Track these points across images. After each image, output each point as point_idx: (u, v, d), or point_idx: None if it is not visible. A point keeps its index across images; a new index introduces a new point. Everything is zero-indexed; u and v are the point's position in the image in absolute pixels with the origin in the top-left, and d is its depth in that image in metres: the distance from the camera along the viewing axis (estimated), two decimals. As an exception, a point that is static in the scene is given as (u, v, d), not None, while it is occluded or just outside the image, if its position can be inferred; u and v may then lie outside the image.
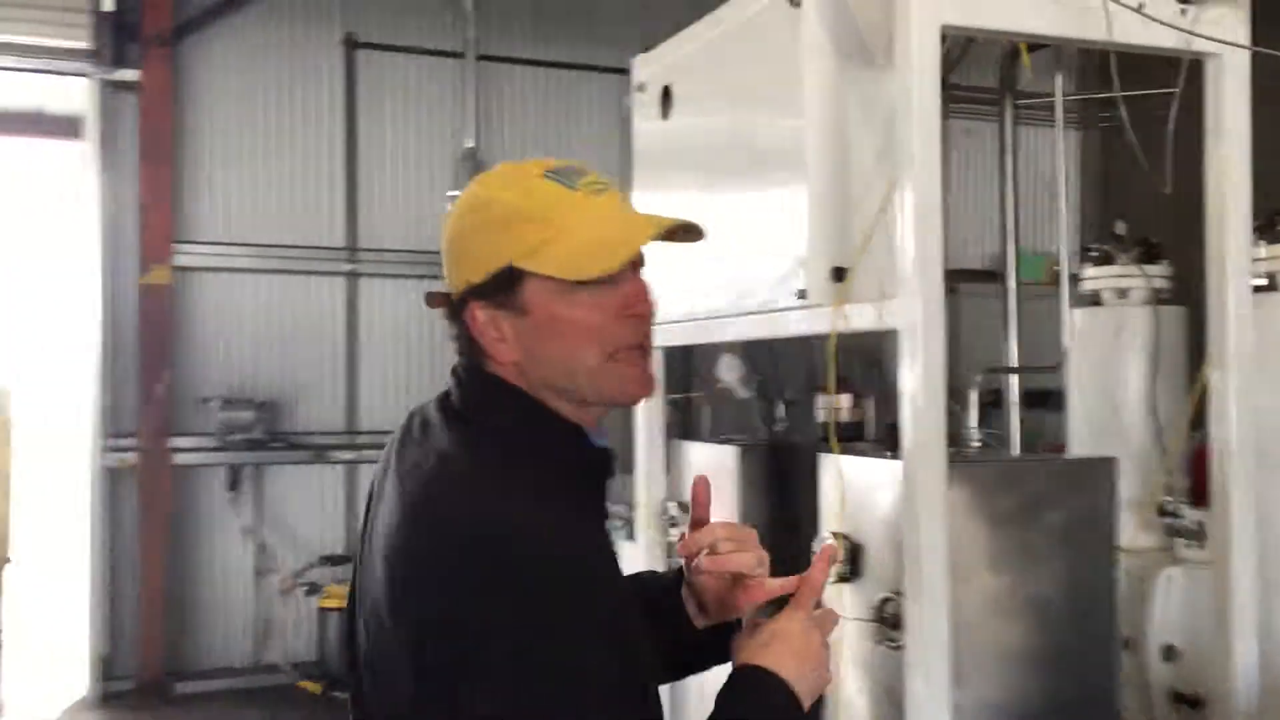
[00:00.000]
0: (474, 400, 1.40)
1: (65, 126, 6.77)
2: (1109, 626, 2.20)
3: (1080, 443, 3.05)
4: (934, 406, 1.96)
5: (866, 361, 3.64)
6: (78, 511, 6.47)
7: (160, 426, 6.21)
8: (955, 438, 2.37)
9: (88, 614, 6.09)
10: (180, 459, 6.27)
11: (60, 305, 6.81)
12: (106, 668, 6.05)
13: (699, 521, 1.42)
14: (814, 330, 2.19)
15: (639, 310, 1.34)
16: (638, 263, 1.37)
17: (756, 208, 2.40)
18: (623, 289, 1.33)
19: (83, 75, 6.22)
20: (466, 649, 1.21)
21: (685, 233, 1.39)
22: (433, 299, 1.41)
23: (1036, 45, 2.31)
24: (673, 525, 2.73)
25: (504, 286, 1.33)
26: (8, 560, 6.65)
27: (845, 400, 2.77)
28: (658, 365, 2.81)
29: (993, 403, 2.71)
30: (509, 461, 1.32)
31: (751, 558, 1.41)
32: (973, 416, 2.27)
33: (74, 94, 6.47)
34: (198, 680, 6.35)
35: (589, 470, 1.38)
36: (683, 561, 1.45)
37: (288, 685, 6.37)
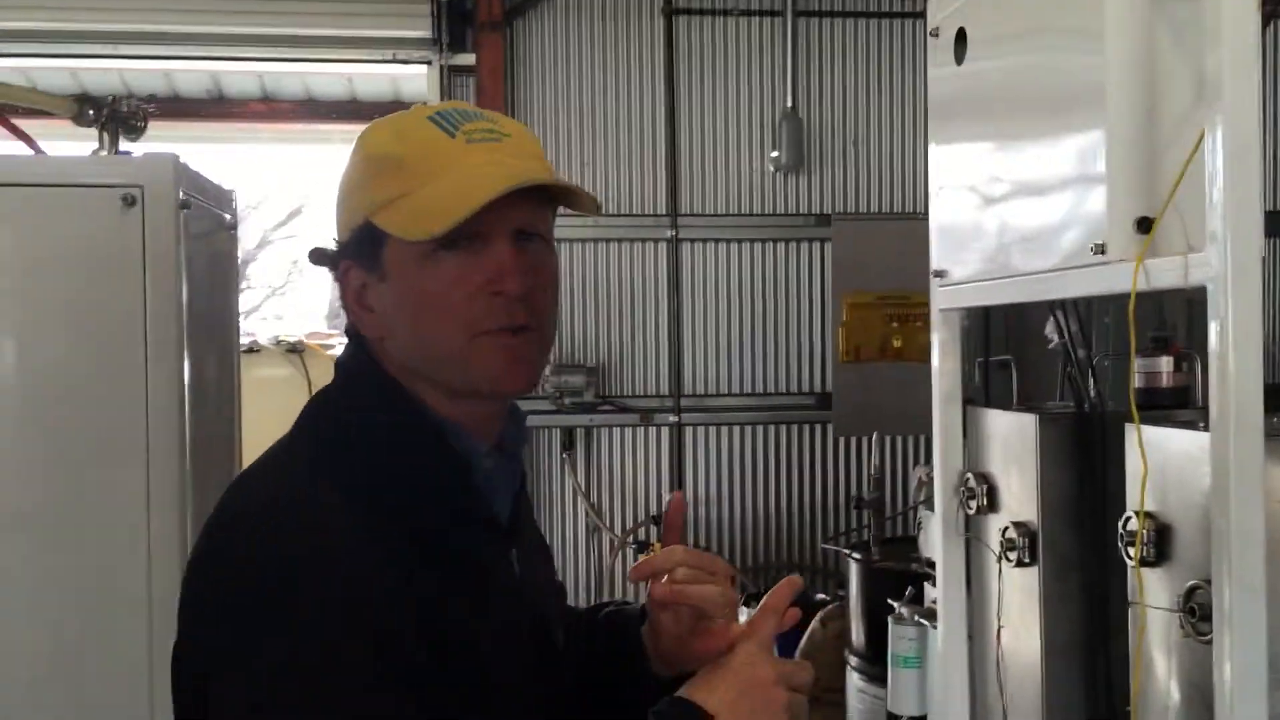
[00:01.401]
0: (335, 384, 1.21)
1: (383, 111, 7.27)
2: None
3: None
4: (1248, 371, 1.72)
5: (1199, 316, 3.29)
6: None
7: (500, 390, 6.57)
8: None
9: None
10: (518, 420, 6.62)
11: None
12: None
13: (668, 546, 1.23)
14: (1112, 289, 1.99)
15: (503, 287, 1.12)
16: (524, 228, 1.14)
17: (1055, 156, 2.20)
18: (490, 259, 1.13)
19: (426, 63, 6.67)
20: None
21: (575, 197, 1.19)
22: (314, 256, 1.22)
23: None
24: (970, 498, 2.57)
25: (368, 247, 1.15)
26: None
27: (1165, 363, 2.50)
28: (946, 327, 2.66)
29: None
30: (325, 470, 1.11)
31: (715, 591, 1.17)
32: (1307, 382, 1.98)
33: (411, 81, 6.94)
34: (537, 629, 6.71)
35: (443, 480, 1.14)
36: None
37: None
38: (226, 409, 2.80)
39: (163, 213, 2.29)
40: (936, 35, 2.75)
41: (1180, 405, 2.52)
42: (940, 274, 2.65)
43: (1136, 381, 2.53)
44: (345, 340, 1.24)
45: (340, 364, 1.22)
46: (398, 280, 1.13)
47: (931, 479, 4.32)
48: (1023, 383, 3.90)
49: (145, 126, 2.55)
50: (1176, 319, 3.56)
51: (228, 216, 2.83)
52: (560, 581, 1.40)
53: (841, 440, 6.73)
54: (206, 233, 2.60)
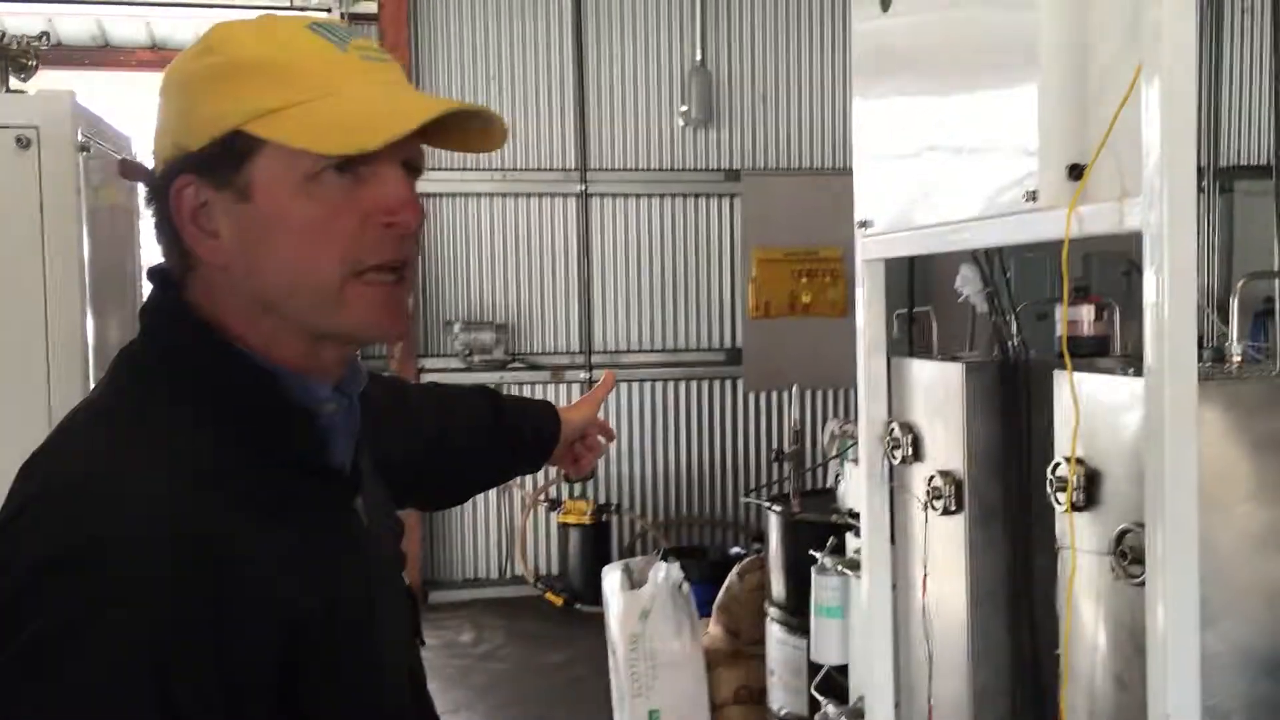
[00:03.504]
0: (145, 333, 1.09)
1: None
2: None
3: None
4: (1182, 318, 1.73)
5: (1118, 267, 3.34)
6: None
7: (409, 347, 6.46)
8: (1215, 353, 2.12)
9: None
10: (428, 379, 6.52)
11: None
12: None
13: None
14: (1044, 236, 1.99)
15: (401, 219, 1.04)
16: (412, 162, 1.07)
17: (983, 102, 2.19)
18: (385, 188, 1.03)
19: (325, 10, 6.46)
20: None
21: (481, 137, 1.10)
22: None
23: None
24: (895, 448, 2.58)
25: (226, 160, 1.01)
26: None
27: (1086, 312, 2.53)
28: (870, 278, 2.65)
29: (1266, 312, 2.41)
30: (144, 430, 1.00)
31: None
32: (1233, 329, 2.01)
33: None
34: (449, 590, 6.66)
35: (274, 433, 1.05)
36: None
37: (534, 596, 6.60)
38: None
39: (61, 156, 2.14)
40: (861, -16, 2.72)
41: (1101, 353, 2.55)
42: (865, 224, 2.64)
43: (1059, 331, 2.56)
44: (154, 282, 1.10)
45: (149, 308, 1.09)
46: (265, 200, 1.01)
47: (844, 432, 4.36)
48: (928, 334, 3.94)
49: (37, 65, 2.39)
50: (1075, 271, 3.62)
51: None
52: (401, 522, 1.33)
53: (753, 395, 6.77)
54: (105, 182, 2.45)
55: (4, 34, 2.38)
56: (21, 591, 0.90)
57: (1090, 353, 2.54)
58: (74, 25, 6.96)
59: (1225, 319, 2.15)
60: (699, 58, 6.63)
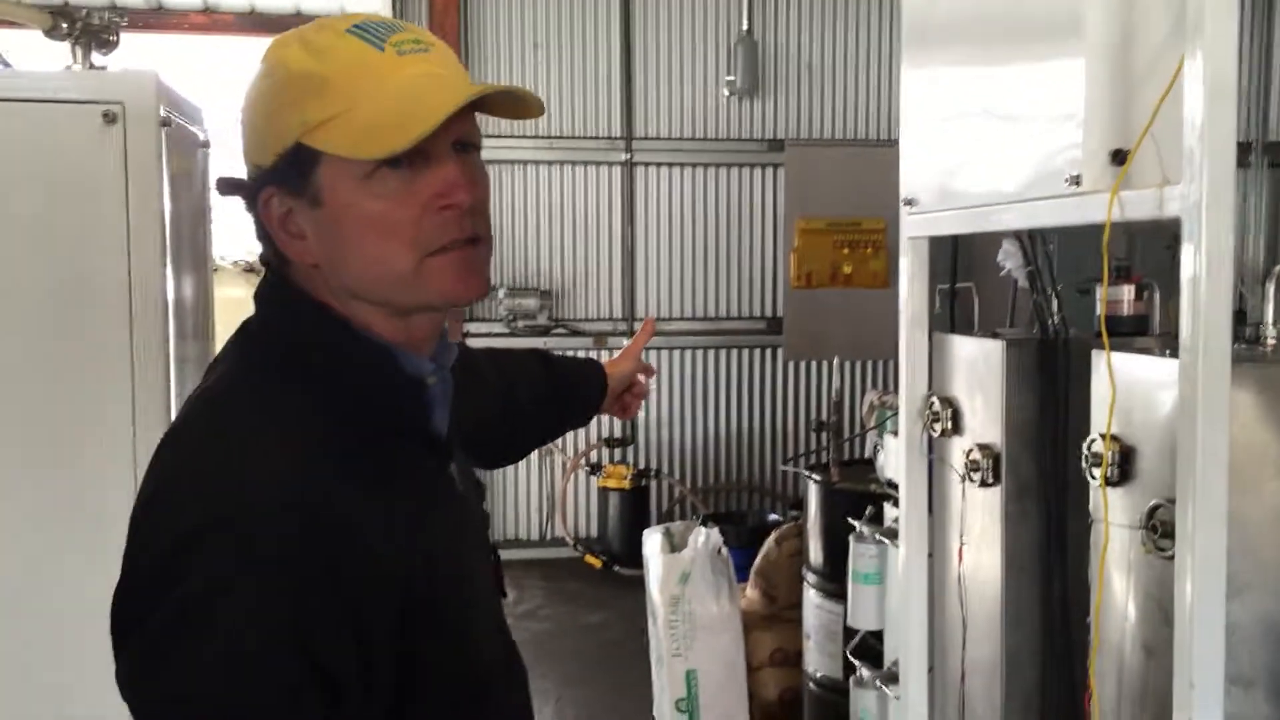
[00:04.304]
0: (261, 317, 1.17)
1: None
2: None
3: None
4: (1218, 299, 1.79)
5: (1169, 243, 3.37)
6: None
7: (456, 313, 6.57)
8: (1247, 334, 2.18)
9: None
10: (473, 344, 6.62)
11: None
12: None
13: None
14: (1086, 219, 2.04)
15: (455, 200, 1.10)
16: (463, 140, 1.12)
17: (1029, 85, 2.24)
18: (437, 174, 1.10)
19: (376, -21, 6.54)
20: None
21: (518, 105, 1.15)
22: (224, 185, 1.17)
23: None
24: (935, 421, 2.65)
25: (296, 171, 1.10)
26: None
27: (1126, 292, 2.58)
28: (914, 254, 2.70)
29: None
30: (270, 405, 1.09)
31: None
32: (1269, 310, 2.07)
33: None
34: (491, 550, 6.79)
35: (392, 403, 1.14)
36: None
37: (574, 559, 6.72)
38: (202, 330, 2.79)
39: (145, 131, 2.25)
40: (912, -39, 2.76)
41: (1140, 333, 2.60)
42: (910, 202, 2.69)
43: (1099, 310, 2.61)
44: (263, 270, 1.19)
45: (264, 295, 1.18)
46: (334, 203, 1.09)
47: (883, 403, 4.43)
48: (969, 310, 3.99)
49: (118, 40, 2.49)
50: (1119, 249, 3.65)
51: (201, 134, 2.79)
52: (481, 484, 1.42)
53: (792, 364, 6.83)
54: (185, 151, 2.56)
55: (88, 9, 2.47)
56: (166, 565, 0.99)
57: (1130, 332, 2.59)
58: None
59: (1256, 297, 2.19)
60: (745, 27, 6.66)
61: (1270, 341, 2.08)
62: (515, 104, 1.17)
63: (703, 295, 6.82)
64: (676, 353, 6.79)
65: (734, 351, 6.85)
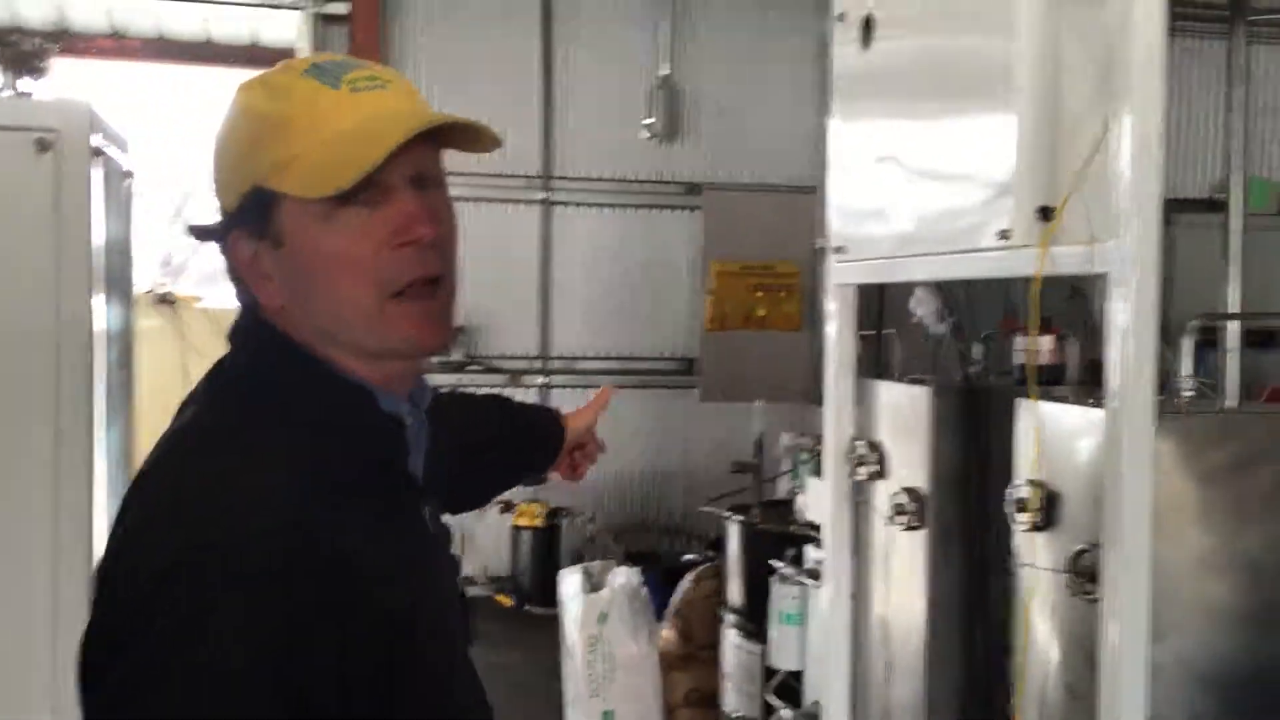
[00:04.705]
0: (237, 358, 1.17)
1: (283, 57, 7.09)
2: (1327, 589, 2.08)
3: (1305, 392, 2.87)
4: (1144, 352, 1.87)
5: (1069, 293, 3.49)
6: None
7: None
8: (1164, 385, 2.26)
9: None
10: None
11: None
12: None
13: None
14: (1016, 272, 2.11)
15: (415, 235, 1.09)
16: (422, 175, 1.12)
17: (960, 141, 2.31)
18: (395, 210, 1.09)
19: (297, 9, 6.49)
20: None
21: (476, 139, 1.16)
22: (197, 232, 1.17)
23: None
24: (860, 464, 2.70)
25: (257, 213, 1.10)
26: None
27: (1046, 342, 2.66)
28: (842, 301, 2.75)
29: (1208, 342, 2.53)
30: (253, 443, 1.07)
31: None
32: (1185, 364, 2.16)
33: (288, 26, 6.74)
34: (399, 588, 6.68)
35: (373, 444, 1.13)
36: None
37: (484, 597, 6.65)
38: (125, 360, 2.72)
39: (78, 160, 2.20)
40: (843, 19, 2.84)
41: (1056, 381, 2.68)
42: (839, 250, 2.74)
43: (1018, 359, 2.69)
44: (240, 310, 1.18)
45: (239, 334, 1.17)
46: (295, 244, 1.09)
47: (799, 445, 4.48)
48: (889, 355, 4.08)
49: (48, 67, 2.43)
50: (1018, 300, 3.76)
51: (126, 164, 2.73)
52: (448, 528, 1.41)
53: (707, 405, 6.89)
54: (113, 181, 2.51)
55: (18, 33, 2.42)
56: (148, 596, 0.97)
57: (1048, 381, 2.67)
58: (31, 8, 6.88)
59: (1171, 350, 2.28)
60: (665, 71, 6.75)
61: (1186, 394, 2.17)
62: (473, 138, 1.18)
63: (619, 335, 6.85)
64: (591, 391, 6.79)
65: (649, 392, 6.88)
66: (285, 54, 6.98)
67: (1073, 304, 3.36)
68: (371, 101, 1.11)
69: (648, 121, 6.72)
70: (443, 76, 6.61)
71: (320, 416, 1.11)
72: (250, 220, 1.11)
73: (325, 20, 6.46)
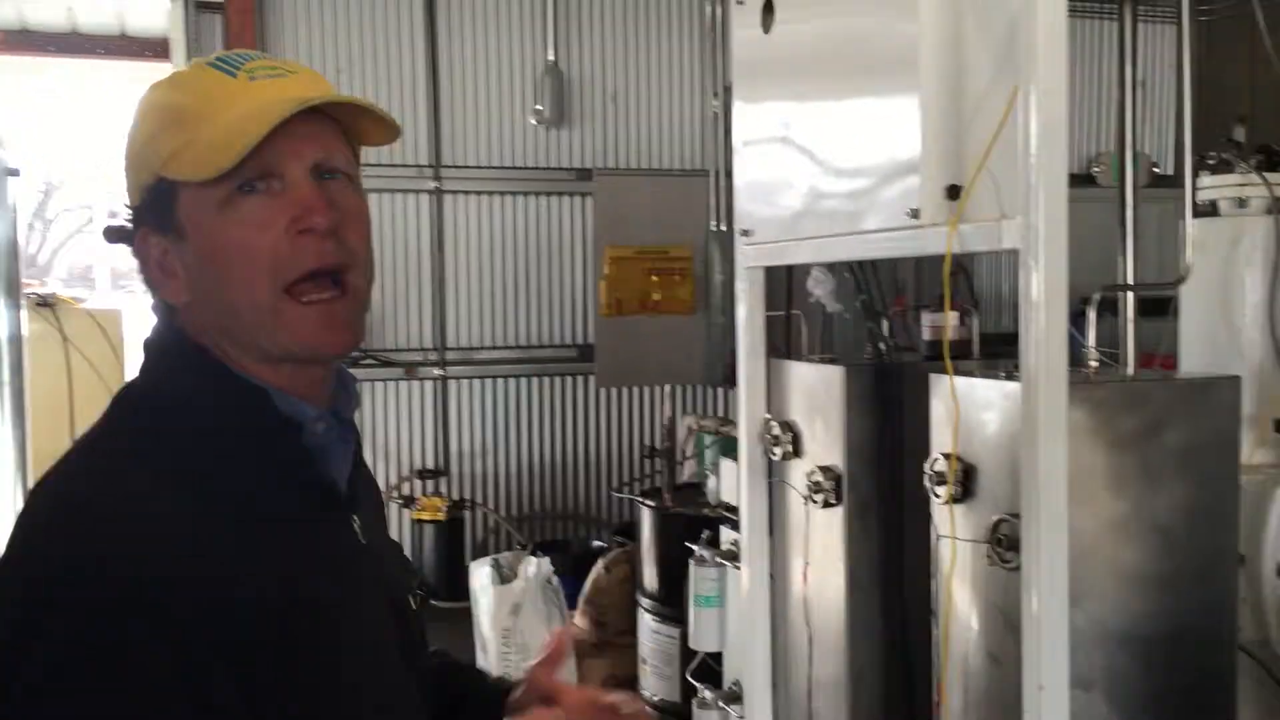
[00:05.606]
0: (142, 366, 1.15)
1: (154, 47, 6.85)
2: (1230, 548, 2.16)
3: (1193, 357, 2.98)
4: (1056, 326, 1.92)
5: (955, 272, 3.58)
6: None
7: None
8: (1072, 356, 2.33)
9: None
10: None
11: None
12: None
13: (542, 677, 1.36)
14: (926, 251, 2.15)
15: (310, 223, 1.07)
16: (323, 165, 1.11)
17: (866, 123, 2.34)
18: (292, 198, 1.07)
19: (168, -4, 6.27)
20: None
21: (380, 129, 1.16)
22: (109, 233, 1.16)
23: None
24: (775, 445, 2.72)
25: (160, 205, 1.09)
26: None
27: (951, 318, 2.73)
28: (751, 284, 2.76)
29: (1080, 314, 2.60)
30: (144, 450, 1.05)
31: None
32: (1090, 335, 2.22)
33: (158, 14, 6.52)
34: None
35: (265, 448, 1.09)
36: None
37: (385, 594, 6.55)
38: (16, 365, 2.59)
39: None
40: (742, 4, 2.85)
41: (964, 356, 2.74)
42: (747, 233, 2.76)
43: (926, 334, 2.75)
44: (154, 317, 1.17)
45: (145, 343, 1.15)
46: (195, 235, 1.08)
47: (702, 427, 4.51)
48: (791, 335, 4.13)
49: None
50: (906, 277, 3.85)
51: (8, 161, 2.59)
52: (398, 544, 1.39)
53: (604, 391, 6.89)
54: (-5, 181, 2.39)
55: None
56: (20, 619, 0.96)
57: (955, 356, 2.73)
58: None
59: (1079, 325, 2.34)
60: (551, 57, 6.70)
61: (1093, 364, 2.23)
62: (377, 128, 1.17)
63: (514, 323, 6.80)
64: (489, 381, 6.74)
65: (546, 379, 6.85)
66: (156, 43, 6.75)
67: (955, 281, 3.45)
68: (267, 88, 1.10)
69: (537, 108, 6.67)
70: (325, 67, 6.46)
71: (210, 422, 1.09)
72: (154, 214, 1.10)
73: (199, 8, 6.25)
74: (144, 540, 0.98)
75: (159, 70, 6.56)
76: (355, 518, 1.19)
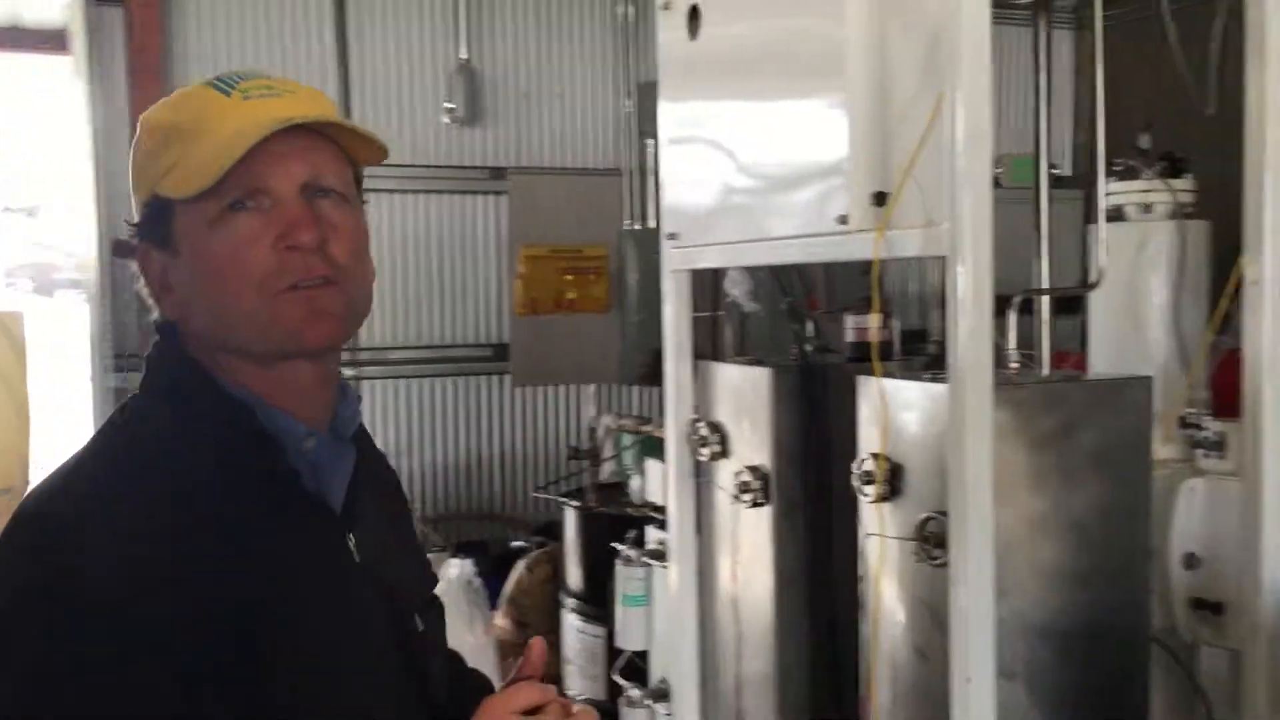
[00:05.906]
0: (144, 374, 1.20)
1: (51, 39, 6.63)
2: (1143, 542, 2.25)
3: (1102, 358, 3.08)
4: (981, 331, 1.97)
5: (856, 269, 3.65)
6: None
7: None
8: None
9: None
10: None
11: (58, 225, 6.70)
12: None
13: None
14: (854, 256, 2.19)
15: (297, 240, 1.11)
16: (313, 184, 1.15)
17: (794, 128, 2.38)
18: (280, 215, 1.12)
19: (67, -7, 6.08)
20: None
21: (372, 149, 1.21)
22: (117, 248, 1.28)
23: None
24: (702, 445, 2.75)
25: (157, 222, 1.15)
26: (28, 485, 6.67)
27: (874, 320, 2.78)
28: (677, 286, 2.78)
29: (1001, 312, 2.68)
30: (123, 464, 1.10)
31: None
32: (1011, 337, 2.29)
33: (54, 6, 6.32)
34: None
35: (253, 462, 1.12)
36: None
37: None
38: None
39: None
40: (668, 8, 2.87)
41: (885, 358, 2.80)
42: (673, 236, 2.78)
43: (850, 336, 2.80)
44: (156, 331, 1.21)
45: (146, 358, 1.20)
46: (188, 251, 1.13)
47: (621, 427, 4.54)
48: (715, 335, 4.18)
49: None
50: (816, 278, 3.91)
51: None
52: (426, 561, 1.40)
53: (520, 390, 6.87)
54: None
55: None
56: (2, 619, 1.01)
57: (880, 357, 2.79)
58: None
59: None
60: (464, 55, 6.66)
61: (1014, 365, 2.30)
62: (367, 148, 1.22)
63: (428, 323, 6.74)
64: (402, 382, 6.68)
65: (461, 379, 6.81)
66: (53, 36, 6.53)
67: (867, 281, 3.51)
68: (257, 107, 1.13)
69: (449, 106, 6.62)
70: (230, 62, 6.33)
71: (189, 438, 1.12)
72: (152, 230, 1.15)
73: (98, 1, 6.07)
74: (113, 555, 1.01)
75: (58, 64, 6.36)
76: (352, 535, 1.20)
